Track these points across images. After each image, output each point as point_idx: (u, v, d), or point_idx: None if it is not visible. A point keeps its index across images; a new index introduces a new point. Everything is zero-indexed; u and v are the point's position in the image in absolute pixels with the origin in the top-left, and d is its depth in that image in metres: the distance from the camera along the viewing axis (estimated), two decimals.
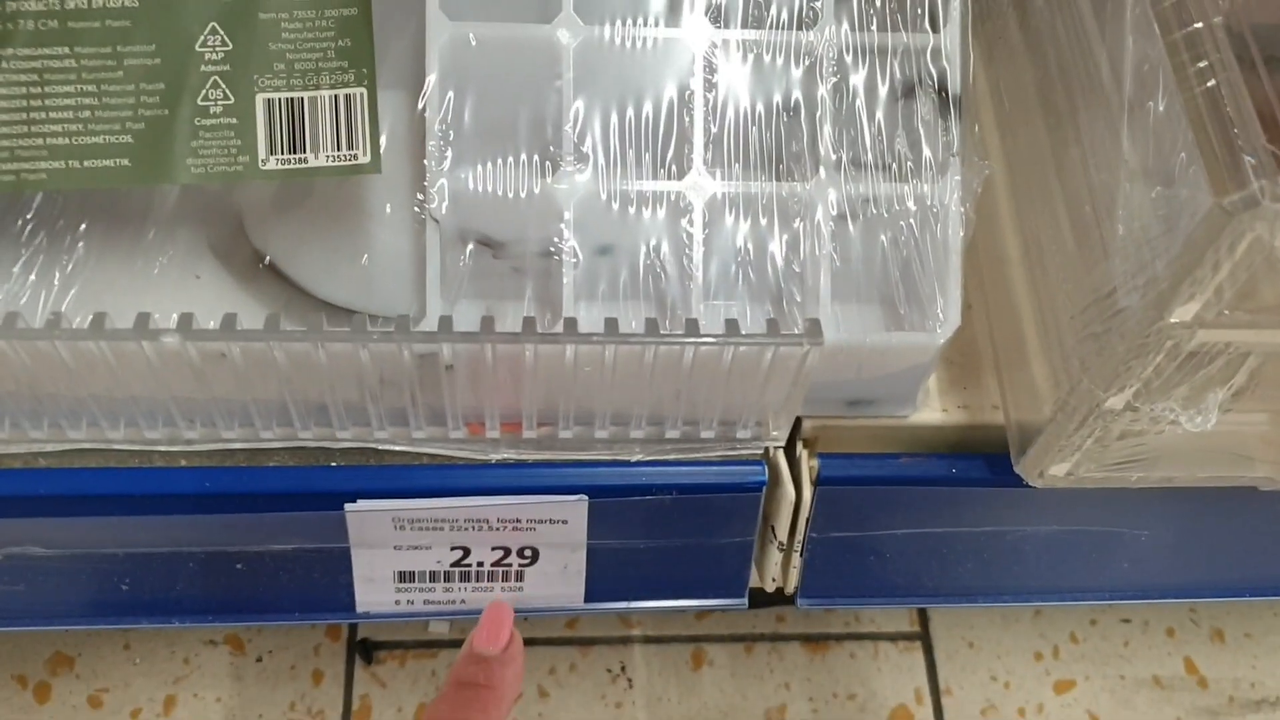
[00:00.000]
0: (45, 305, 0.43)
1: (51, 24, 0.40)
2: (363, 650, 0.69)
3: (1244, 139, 0.34)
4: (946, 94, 0.45)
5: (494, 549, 0.50)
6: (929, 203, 0.44)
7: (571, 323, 0.42)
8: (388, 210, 0.44)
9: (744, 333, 0.42)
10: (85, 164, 0.41)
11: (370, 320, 0.42)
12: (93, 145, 0.41)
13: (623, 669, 0.70)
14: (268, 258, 0.45)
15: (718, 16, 0.44)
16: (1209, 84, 0.36)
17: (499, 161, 0.44)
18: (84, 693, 0.67)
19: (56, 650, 0.69)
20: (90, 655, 0.68)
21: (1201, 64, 0.36)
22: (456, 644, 0.70)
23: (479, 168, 0.43)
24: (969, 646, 0.72)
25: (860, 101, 0.45)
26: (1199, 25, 0.37)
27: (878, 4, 0.45)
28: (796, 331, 0.42)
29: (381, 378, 0.43)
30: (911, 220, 0.45)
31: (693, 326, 0.42)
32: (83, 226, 0.44)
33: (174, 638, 0.69)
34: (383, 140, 0.42)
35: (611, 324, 0.42)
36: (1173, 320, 0.38)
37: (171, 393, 0.44)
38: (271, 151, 0.41)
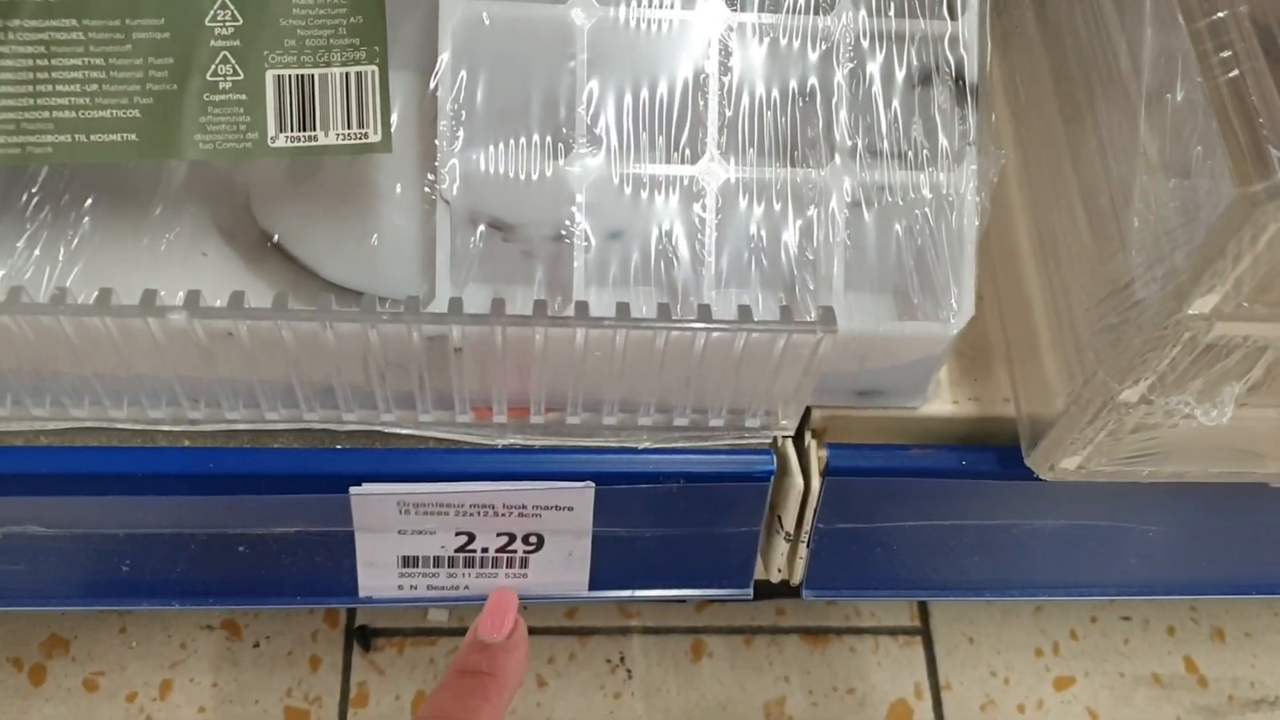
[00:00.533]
0: (50, 281, 0.43)
1: None
2: (361, 637, 0.69)
3: (1269, 129, 0.34)
4: (963, 82, 0.44)
5: (499, 535, 0.49)
6: (944, 191, 0.44)
7: (582, 306, 0.42)
8: (398, 191, 0.44)
9: (756, 320, 0.41)
10: (92, 138, 0.40)
11: (379, 301, 0.41)
12: (100, 119, 0.40)
13: (622, 659, 0.70)
14: (275, 237, 0.45)
15: None
16: (1233, 73, 0.35)
17: (511, 143, 0.43)
18: (79, 676, 0.67)
19: (52, 633, 0.68)
20: (86, 638, 0.68)
21: (1225, 53, 0.36)
22: (455, 631, 0.70)
23: (491, 149, 0.43)
24: (969, 642, 0.72)
25: (876, 88, 0.44)
26: (1223, 14, 0.36)
27: None
28: (809, 319, 0.42)
29: (389, 360, 0.43)
30: (926, 209, 0.44)
31: (705, 312, 0.42)
32: (88, 202, 0.44)
33: (170, 622, 0.69)
34: (393, 119, 0.41)
35: (623, 309, 0.41)
36: (1191, 312, 0.37)
37: (176, 372, 0.43)
38: (281, 129, 0.41)
